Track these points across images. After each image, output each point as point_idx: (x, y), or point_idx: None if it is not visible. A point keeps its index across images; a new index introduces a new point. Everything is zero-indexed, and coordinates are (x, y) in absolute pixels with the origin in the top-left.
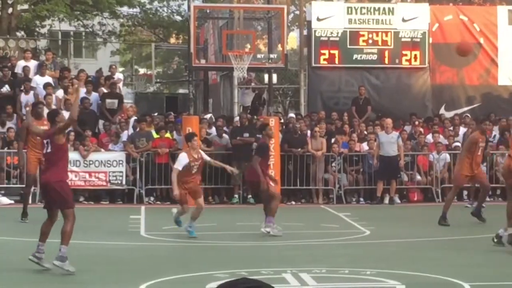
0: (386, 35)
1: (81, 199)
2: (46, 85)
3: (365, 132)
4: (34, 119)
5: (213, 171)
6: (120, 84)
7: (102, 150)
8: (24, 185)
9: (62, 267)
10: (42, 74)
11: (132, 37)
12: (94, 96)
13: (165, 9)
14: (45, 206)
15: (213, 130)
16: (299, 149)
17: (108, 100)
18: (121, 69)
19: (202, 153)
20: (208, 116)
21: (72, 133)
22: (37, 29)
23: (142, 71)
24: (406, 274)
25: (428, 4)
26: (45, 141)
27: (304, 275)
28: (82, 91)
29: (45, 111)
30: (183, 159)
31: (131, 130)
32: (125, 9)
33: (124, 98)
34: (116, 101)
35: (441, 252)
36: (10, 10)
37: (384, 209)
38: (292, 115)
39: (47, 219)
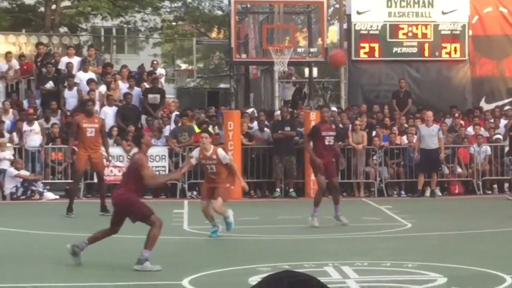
0: (426, 28)
1: None
2: (89, 81)
3: (406, 125)
4: (84, 116)
5: (254, 166)
6: (162, 79)
7: None
8: (70, 181)
9: (144, 269)
10: (85, 70)
11: (173, 30)
12: (136, 91)
13: (206, 3)
14: (113, 221)
15: (255, 124)
16: (340, 143)
17: (150, 95)
18: (162, 64)
19: (222, 155)
20: (250, 110)
21: (115, 129)
22: (80, 26)
23: (183, 66)
24: (447, 267)
25: None
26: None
27: (346, 268)
28: (124, 86)
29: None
30: (195, 152)
31: (173, 125)
32: (167, 4)
33: (166, 93)
34: (158, 96)
35: (482, 244)
36: (53, 7)
37: (425, 202)
38: (334, 108)
39: (109, 229)
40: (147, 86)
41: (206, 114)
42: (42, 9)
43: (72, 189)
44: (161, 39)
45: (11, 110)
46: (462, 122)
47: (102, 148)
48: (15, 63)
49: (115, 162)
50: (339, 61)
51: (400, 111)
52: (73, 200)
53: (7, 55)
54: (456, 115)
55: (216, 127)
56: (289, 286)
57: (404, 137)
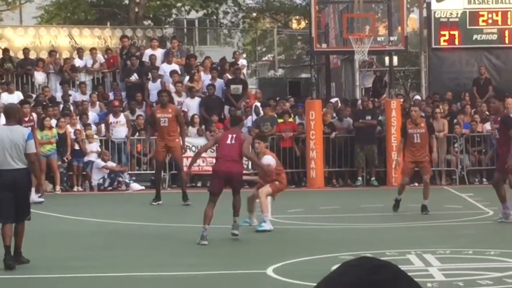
0: (506, 15)
1: (208, 184)
2: (172, 73)
3: (487, 113)
4: (159, 106)
5: (336, 154)
6: (244, 70)
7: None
8: (153, 171)
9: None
10: (169, 62)
11: (255, 23)
12: (219, 82)
13: None
14: (214, 192)
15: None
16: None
17: (232, 86)
18: (244, 55)
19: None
20: (334, 100)
21: (196, 116)
22: (163, 18)
23: (265, 57)
24: None
25: None
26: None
27: (428, 256)
28: (207, 78)
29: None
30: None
31: (254, 116)
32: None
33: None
34: (240, 86)
35: None
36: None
37: (507, 189)
38: (418, 97)
39: (211, 203)
40: (230, 77)
41: (286, 104)
42: (127, 1)
43: (156, 179)
44: (243, 31)
45: (97, 103)
46: None
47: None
48: (100, 58)
49: None
50: None
51: (480, 99)
52: (159, 189)
53: (92, 51)
54: None
55: (296, 117)
56: (370, 269)
57: (486, 124)
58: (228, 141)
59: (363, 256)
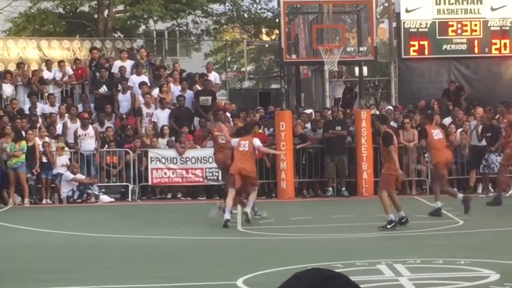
0: (475, 25)
1: (179, 195)
2: (141, 84)
3: (465, 118)
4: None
5: (307, 165)
6: (214, 79)
7: (198, 147)
8: (124, 183)
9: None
10: (138, 74)
11: (224, 35)
12: (189, 93)
13: (256, 6)
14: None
15: (308, 124)
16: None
17: (202, 98)
18: (215, 66)
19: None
20: (309, 111)
21: (166, 127)
22: (132, 30)
23: (234, 68)
24: (500, 263)
25: None
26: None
27: (399, 266)
28: (177, 89)
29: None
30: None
31: None
32: (216, 6)
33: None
34: (209, 98)
35: None
36: (106, 11)
37: (477, 199)
38: (389, 107)
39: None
40: (199, 88)
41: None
42: (95, 15)
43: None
44: (212, 43)
45: (66, 115)
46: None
47: None
48: (68, 70)
49: (169, 164)
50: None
51: (452, 107)
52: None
53: (60, 63)
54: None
55: (265, 128)
56: (319, 282)
57: (456, 134)
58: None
59: (314, 267)
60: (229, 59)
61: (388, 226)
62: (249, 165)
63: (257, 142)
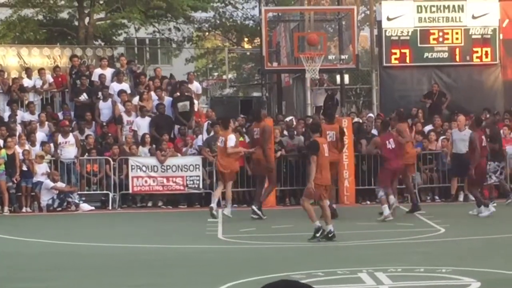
0: (457, 33)
1: (160, 203)
2: (120, 92)
3: (446, 127)
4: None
5: (288, 173)
6: (196, 90)
7: (179, 155)
8: (105, 191)
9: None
10: (119, 81)
11: (206, 43)
12: (167, 100)
13: (238, 13)
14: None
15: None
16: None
17: (180, 104)
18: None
19: None
20: (289, 118)
21: (147, 136)
22: (113, 37)
23: (215, 75)
24: (481, 271)
25: (498, 0)
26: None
27: (380, 274)
28: (156, 98)
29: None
30: None
31: (205, 135)
32: (198, 14)
33: (199, 103)
34: (187, 103)
35: None
36: (87, 19)
37: (459, 207)
38: (371, 114)
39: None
40: (178, 94)
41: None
42: (76, 23)
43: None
44: (194, 50)
45: (46, 123)
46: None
47: None
48: (49, 78)
49: (149, 173)
50: (313, 42)
51: (434, 114)
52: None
53: (41, 71)
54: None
55: (246, 136)
56: None
57: (438, 142)
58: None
59: (283, 279)
60: (210, 65)
61: (317, 235)
62: (225, 160)
63: (231, 141)
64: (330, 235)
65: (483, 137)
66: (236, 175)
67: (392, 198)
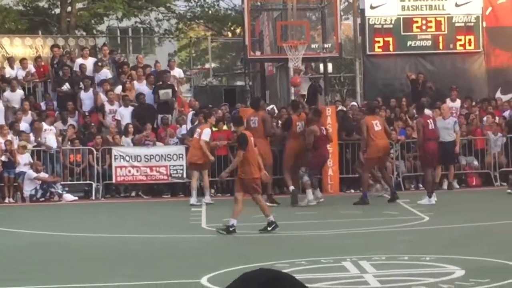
0: (440, 21)
1: (134, 193)
2: (101, 82)
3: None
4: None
5: (273, 162)
6: (178, 75)
7: (162, 144)
8: (88, 181)
9: None
10: (98, 71)
11: (188, 33)
12: (148, 92)
13: (220, 3)
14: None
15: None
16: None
17: (161, 91)
18: (178, 63)
19: None
20: (270, 107)
21: (130, 126)
22: (96, 27)
23: (199, 65)
24: (465, 259)
25: None
26: None
27: (364, 263)
28: (140, 87)
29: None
30: None
31: (189, 125)
32: (180, 3)
33: (182, 93)
34: (169, 90)
35: (500, 236)
36: (69, 9)
37: (442, 195)
38: (354, 103)
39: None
40: (160, 83)
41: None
42: (58, 10)
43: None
44: (177, 41)
45: (30, 112)
46: (477, 112)
47: None
48: (31, 68)
49: (133, 162)
50: (296, 84)
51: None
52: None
53: (22, 62)
54: (473, 103)
55: (231, 124)
56: (264, 283)
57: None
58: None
59: (262, 267)
60: (194, 55)
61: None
62: (199, 151)
63: (205, 135)
64: (270, 228)
65: (429, 120)
66: (210, 164)
67: (378, 186)
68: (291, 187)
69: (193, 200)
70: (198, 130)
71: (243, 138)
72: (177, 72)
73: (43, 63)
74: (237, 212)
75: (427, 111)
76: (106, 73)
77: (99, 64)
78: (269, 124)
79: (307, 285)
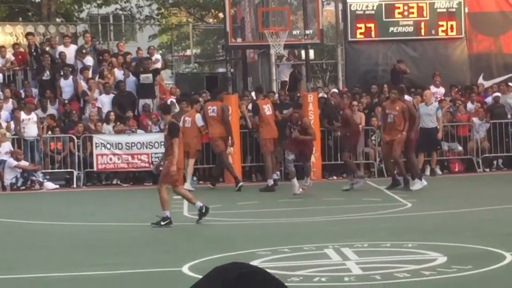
0: (422, 7)
1: (115, 181)
2: (82, 69)
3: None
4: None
5: (254, 149)
6: (158, 64)
7: (143, 132)
8: (69, 169)
9: None
10: (82, 58)
11: (170, 18)
12: (131, 78)
13: None
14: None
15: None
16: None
17: (142, 75)
18: (160, 51)
19: None
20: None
21: (112, 113)
22: (76, 14)
23: (180, 52)
24: (447, 246)
25: None
26: None
27: (346, 250)
28: (120, 74)
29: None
30: None
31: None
32: None
33: (164, 80)
34: (150, 75)
35: (482, 222)
36: None
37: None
38: (335, 90)
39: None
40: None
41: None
42: None
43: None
44: (157, 25)
45: (10, 100)
46: (461, 99)
47: None
48: (10, 56)
49: (114, 150)
50: None
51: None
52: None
53: (1, 50)
54: (456, 90)
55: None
56: (236, 277)
57: None
58: None
59: (234, 261)
60: (176, 38)
61: (162, 223)
62: (192, 140)
63: (199, 121)
64: (203, 211)
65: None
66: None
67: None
68: (270, 181)
69: (187, 185)
70: (188, 118)
71: (173, 127)
72: (156, 58)
73: (21, 50)
74: (189, 198)
75: (406, 97)
76: (90, 60)
77: (83, 51)
78: (227, 114)
79: (289, 273)
